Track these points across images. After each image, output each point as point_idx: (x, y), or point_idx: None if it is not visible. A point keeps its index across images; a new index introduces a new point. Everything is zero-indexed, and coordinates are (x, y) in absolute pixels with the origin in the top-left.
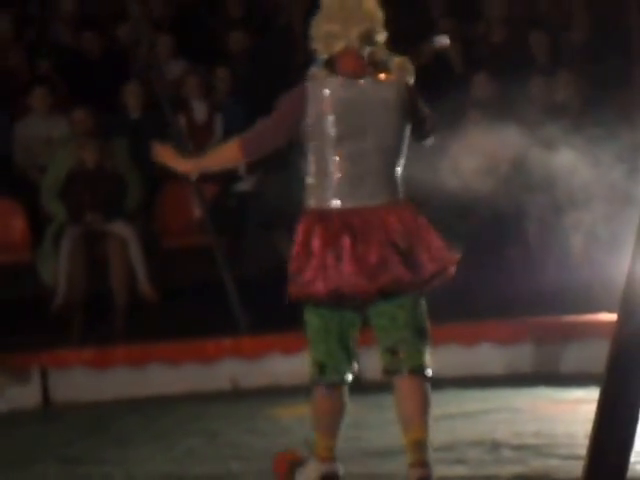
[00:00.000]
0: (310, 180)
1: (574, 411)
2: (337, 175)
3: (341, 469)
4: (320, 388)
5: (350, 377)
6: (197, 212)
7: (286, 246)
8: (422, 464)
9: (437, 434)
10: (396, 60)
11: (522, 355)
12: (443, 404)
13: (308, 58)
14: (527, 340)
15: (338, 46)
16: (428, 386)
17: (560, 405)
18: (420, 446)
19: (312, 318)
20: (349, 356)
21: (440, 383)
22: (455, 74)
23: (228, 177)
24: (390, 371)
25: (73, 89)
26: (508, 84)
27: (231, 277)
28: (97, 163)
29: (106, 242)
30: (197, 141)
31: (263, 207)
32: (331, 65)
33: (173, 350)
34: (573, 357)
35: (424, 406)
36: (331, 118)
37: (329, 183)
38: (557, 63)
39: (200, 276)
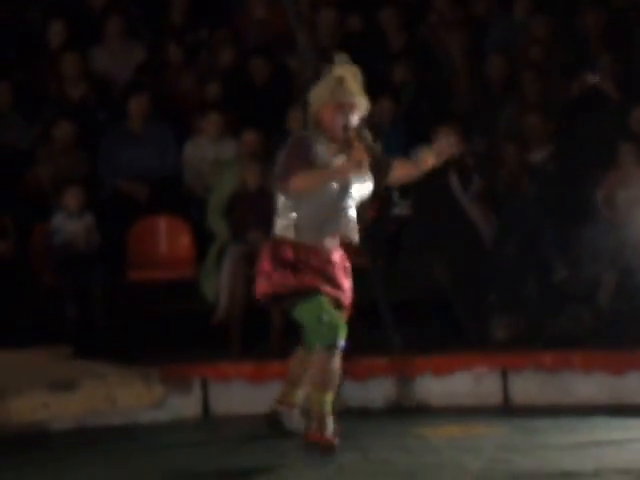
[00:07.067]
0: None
1: None
2: None
3: None
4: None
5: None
6: None
7: (440, 271)
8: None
9: (584, 461)
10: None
11: None
12: (590, 431)
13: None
14: None
15: None
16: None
17: None
18: None
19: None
20: None
21: (589, 411)
22: (611, 106)
23: (386, 202)
24: None
25: (241, 113)
26: None
27: (385, 299)
28: (259, 184)
29: None
30: None
31: (417, 232)
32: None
33: None
34: None
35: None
36: None
37: None
38: None
39: (355, 297)
